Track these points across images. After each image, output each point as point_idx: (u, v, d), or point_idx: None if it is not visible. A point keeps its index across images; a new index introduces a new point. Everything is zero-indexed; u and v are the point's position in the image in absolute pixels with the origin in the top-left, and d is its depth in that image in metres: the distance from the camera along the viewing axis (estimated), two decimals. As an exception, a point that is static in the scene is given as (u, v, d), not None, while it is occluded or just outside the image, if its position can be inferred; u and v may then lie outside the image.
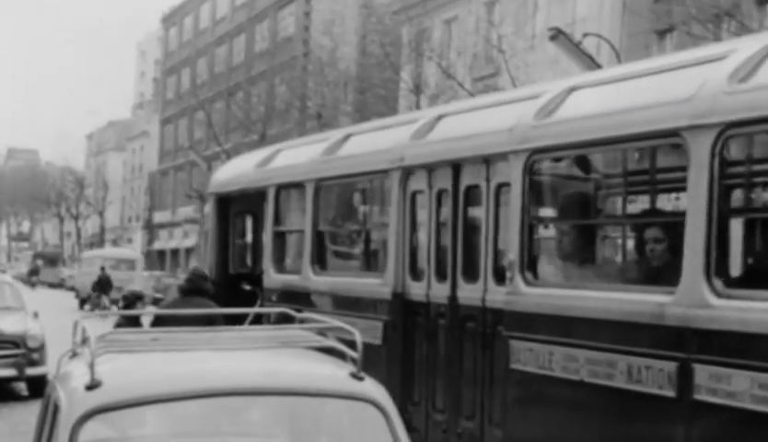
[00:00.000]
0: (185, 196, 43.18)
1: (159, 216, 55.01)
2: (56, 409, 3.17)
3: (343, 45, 29.35)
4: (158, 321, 6.18)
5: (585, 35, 16.78)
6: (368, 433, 3.19)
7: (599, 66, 14.22)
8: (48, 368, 10.60)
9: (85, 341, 3.44)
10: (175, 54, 55.31)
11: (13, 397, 11.10)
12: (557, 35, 15.43)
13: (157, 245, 54.69)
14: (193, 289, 6.73)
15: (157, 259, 53.06)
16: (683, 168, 4.18)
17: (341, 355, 3.37)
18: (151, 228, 56.16)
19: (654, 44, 18.91)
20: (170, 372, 3.16)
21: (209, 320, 5.63)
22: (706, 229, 3.92)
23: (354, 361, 3.26)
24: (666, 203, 5.33)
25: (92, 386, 2.97)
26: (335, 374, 3.24)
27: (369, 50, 27.54)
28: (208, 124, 37.32)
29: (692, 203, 4.02)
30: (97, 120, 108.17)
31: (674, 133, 4.14)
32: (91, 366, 3.00)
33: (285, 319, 4.25)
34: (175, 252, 50.79)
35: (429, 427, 5.70)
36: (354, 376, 3.19)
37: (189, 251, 47.07)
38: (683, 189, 4.49)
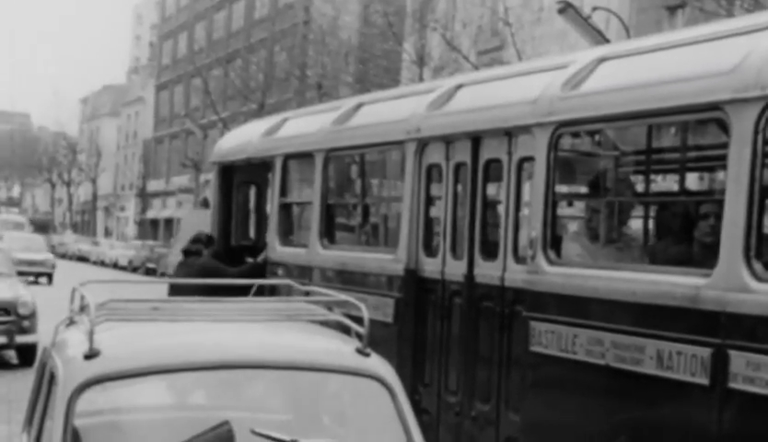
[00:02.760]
0: (180, 165, 42.84)
1: (153, 185, 54.65)
2: (52, 378, 3.08)
3: (345, 14, 28.91)
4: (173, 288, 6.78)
5: (594, 9, 16.44)
6: (373, 410, 3.11)
7: (607, 41, 13.95)
8: (39, 336, 10.45)
9: (83, 308, 3.34)
10: (172, 19, 54.63)
11: (2, 365, 10.93)
12: (566, 8, 15.12)
13: (151, 214, 54.39)
14: (189, 251, 7.55)
15: (150, 228, 52.81)
16: (723, 145, 3.96)
17: (346, 331, 3.25)
18: (144, 197, 55.83)
19: (665, 20, 18.57)
20: (170, 343, 3.07)
21: (213, 289, 5.62)
22: (747, 209, 3.71)
23: (359, 336, 3.14)
24: (702, 181, 5.12)
25: (91, 355, 2.88)
26: (340, 349, 3.15)
27: (372, 19, 27.10)
28: (205, 92, 36.89)
29: (733, 181, 3.80)
30: (92, 84, 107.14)
31: (715, 106, 3.91)
32: (90, 334, 2.90)
33: (289, 292, 4.09)
34: (168, 222, 50.51)
35: (441, 409, 5.53)
36: (360, 351, 3.09)
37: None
38: (721, 167, 4.28)
